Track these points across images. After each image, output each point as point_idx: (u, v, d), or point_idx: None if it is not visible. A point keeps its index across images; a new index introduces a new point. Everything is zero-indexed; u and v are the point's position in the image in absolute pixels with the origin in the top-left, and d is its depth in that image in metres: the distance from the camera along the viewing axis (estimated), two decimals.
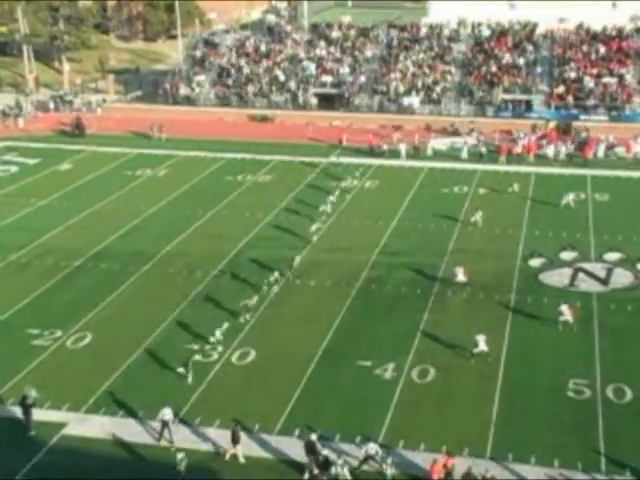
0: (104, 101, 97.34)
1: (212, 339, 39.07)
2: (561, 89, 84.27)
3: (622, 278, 47.77)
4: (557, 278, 47.53)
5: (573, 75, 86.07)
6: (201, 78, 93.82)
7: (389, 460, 29.56)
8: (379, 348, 39.09)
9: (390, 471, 29.36)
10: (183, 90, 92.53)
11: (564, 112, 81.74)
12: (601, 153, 72.25)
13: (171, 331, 41.23)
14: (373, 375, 36.89)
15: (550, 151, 72.05)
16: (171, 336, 40.69)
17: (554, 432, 32.57)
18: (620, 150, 72.66)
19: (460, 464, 29.21)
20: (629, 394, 35.42)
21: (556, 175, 67.85)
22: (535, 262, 49.98)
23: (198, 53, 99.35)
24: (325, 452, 29.46)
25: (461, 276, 45.93)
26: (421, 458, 30.47)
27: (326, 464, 29.07)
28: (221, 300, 44.48)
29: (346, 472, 29.10)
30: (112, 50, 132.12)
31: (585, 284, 46.83)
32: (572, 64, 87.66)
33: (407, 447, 31.14)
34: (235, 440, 30.51)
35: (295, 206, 60.37)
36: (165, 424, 31.77)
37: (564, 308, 41.55)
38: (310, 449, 29.78)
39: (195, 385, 35.87)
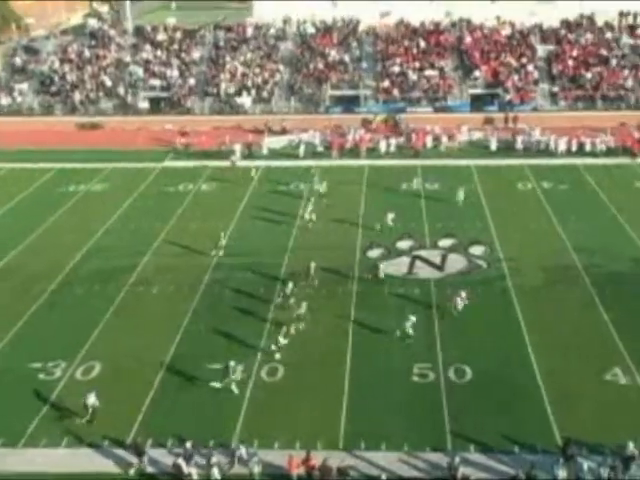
0: None
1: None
2: (387, 83, 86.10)
3: (456, 263, 49.43)
4: (396, 267, 48.69)
5: (397, 69, 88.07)
6: (23, 86, 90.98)
7: (255, 459, 29.81)
8: (227, 350, 38.95)
9: (257, 469, 29.60)
10: (4, 100, 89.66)
11: (391, 105, 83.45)
12: (429, 143, 74.31)
13: (11, 349, 40.00)
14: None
15: (382, 144, 73.50)
16: (10, 355, 39.44)
17: (403, 417, 33.57)
18: (446, 140, 74.86)
19: (316, 457, 29.81)
20: (469, 373, 36.84)
21: (388, 167, 69.33)
22: (374, 253, 51.09)
23: (18, 60, 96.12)
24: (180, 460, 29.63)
25: (312, 271, 46.65)
26: (277, 455, 30.78)
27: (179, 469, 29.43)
28: (63, 313, 43.63)
29: (216, 472, 29.37)
30: None
31: (422, 271, 48.16)
32: (395, 59, 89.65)
33: (262, 446, 31.32)
34: (139, 453, 30.56)
35: (133, 213, 59.64)
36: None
37: (462, 294, 42.93)
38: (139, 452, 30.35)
39: (40, 405, 34.96)
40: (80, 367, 38.04)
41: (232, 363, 36.11)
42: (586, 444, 31.33)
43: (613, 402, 34.77)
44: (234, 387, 35.71)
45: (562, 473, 29.01)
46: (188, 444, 30.47)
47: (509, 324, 41.71)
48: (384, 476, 28.88)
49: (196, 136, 77.17)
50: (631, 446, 30.12)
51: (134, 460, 30.62)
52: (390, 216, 54.85)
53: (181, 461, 29.58)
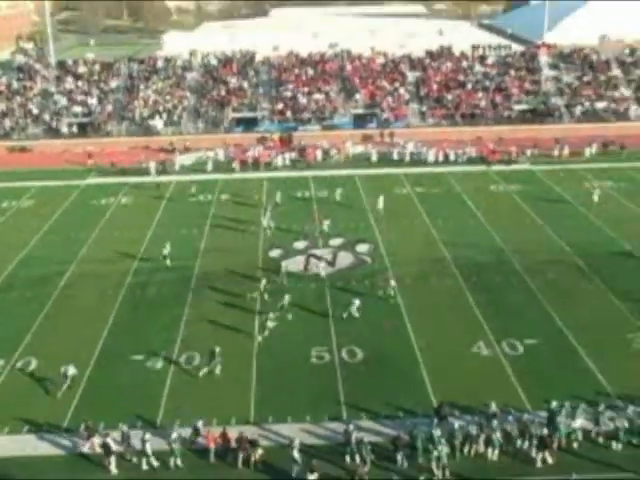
0: None
1: None
2: (281, 106, 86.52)
3: (345, 260, 50.09)
4: (294, 265, 49.13)
5: (289, 94, 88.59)
6: None
7: (174, 435, 29.81)
8: (149, 343, 38.84)
9: (177, 446, 29.64)
10: None
11: (285, 125, 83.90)
12: (320, 157, 75.05)
13: None
14: (145, 367, 36.74)
15: (278, 159, 73.95)
16: None
17: (304, 394, 34.06)
18: (334, 152, 75.66)
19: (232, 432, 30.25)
20: (360, 354, 37.53)
21: (282, 178, 69.78)
22: (274, 253, 51.35)
23: None
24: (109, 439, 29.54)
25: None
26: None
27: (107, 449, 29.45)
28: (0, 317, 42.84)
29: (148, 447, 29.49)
30: None
31: (317, 267, 48.74)
32: (288, 85, 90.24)
33: (183, 425, 31.27)
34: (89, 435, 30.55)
35: (60, 226, 58.49)
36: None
37: (392, 283, 44.25)
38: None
39: None
40: (18, 362, 37.50)
41: (217, 349, 36.27)
42: (457, 406, 32.41)
43: (478, 370, 35.89)
44: (218, 370, 35.94)
45: (437, 431, 29.90)
46: (124, 427, 30.39)
47: (392, 309, 42.54)
48: (297, 441, 29.38)
49: (108, 155, 76.25)
50: (493, 406, 31.30)
51: (83, 443, 30.50)
52: (326, 222, 55.05)
53: (109, 440, 29.47)
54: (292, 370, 36.19)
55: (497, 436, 29.79)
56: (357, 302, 41.30)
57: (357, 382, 34.99)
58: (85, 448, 30.39)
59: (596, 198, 60.61)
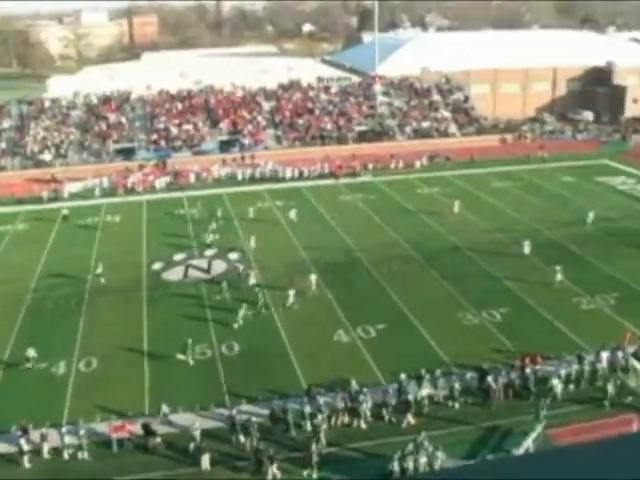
0: None
1: None
2: (155, 136, 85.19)
3: (219, 267, 49.78)
4: (174, 275, 48.54)
5: (162, 125, 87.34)
6: None
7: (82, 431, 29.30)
8: (51, 351, 37.59)
9: (85, 441, 29.05)
10: None
11: (160, 153, 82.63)
12: (193, 179, 74.32)
13: None
14: (49, 373, 35.61)
15: (156, 183, 72.81)
16: None
17: (192, 386, 33.73)
18: (204, 175, 75.03)
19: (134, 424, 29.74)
20: (237, 348, 37.34)
21: (160, 199, 68.66)
22: (157, 266, 50.51)
23: None
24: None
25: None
26: (99, 426, 30.45)
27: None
28: None
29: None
30: None
31: (195, 275, 48.28)
32: (160, 117, 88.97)
33: (87, 422, 30.52)
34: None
35: None
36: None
37: (313, 278, 44.51)
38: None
39: None
40: None
41: (190, 341, 36.23)
42: (324, 386, 32.78)
43: (340, 354, 36.40)
44: (190, 359, 35.80)
45: (307, 408, 30.28)
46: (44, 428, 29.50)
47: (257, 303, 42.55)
48: (197, 424, 29.32)
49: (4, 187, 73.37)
50: (354, 383, 31.88)
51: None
52: (252, 238, 53.86)
53: (23, 441, 28.58)
54: (181, 365, 35.70)
55: (364, 407, 30.40)
56: (244, 309, 40.87)
57: (236, 373, 34.85)
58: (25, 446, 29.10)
59: (456, 209, 60.54)
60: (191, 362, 35.80)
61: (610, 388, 31.88)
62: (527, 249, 49.47)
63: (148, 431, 29.20)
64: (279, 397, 31.98)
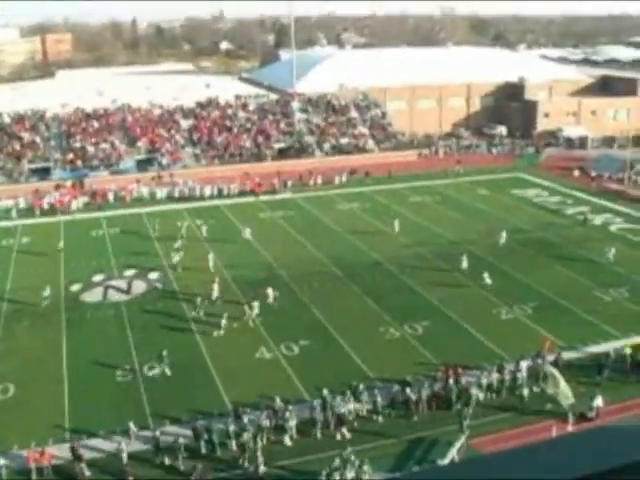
0: None
1: None
2: (71, 155, 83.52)
3: (139, 287, 48.99)
4: (93, 296, 47.49)
5: (79, 144, 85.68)
6: None
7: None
8: None
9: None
10: None
11: (76, 172, 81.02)
12: (111, 199, 73.05)
13: None
14: None
15: (73, 203, 71.25)
16: None
17: (113, 409, 32.93)
18: (122, 194, 73.77)
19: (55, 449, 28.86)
20: (158, 369, 36.65)
21: (79, 219, 67.22)
22: (75, 287, 49.35)
23: None
24: None
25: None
26: (16, 456, 29.36)
27: None
28: None
29: None
30: None
31: (115, 296, 47.36)
32: (77, 136, 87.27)
33: (5, 450, 29.48)
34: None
35: None
36: None
37: (269, 291, 44.54)
38: None
39: None
40: None
41: (165, 352, 36.64)
42: (248, 404, 32.48)
43: (263, 372, 36.17)
44: (167, 369, 36.12)
45: (232, 426, 30.03)
46: None
47: (184, 327, 41.91)
48: (122, 445, 28.83)
49: None
50: (278, 400, 31.75)
51: None
52: (176, 256, 53.03)
53: None
54: (102, 388, 34.92)
55: (289, 424, 30.30)
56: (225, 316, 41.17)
57: (159, 394, 34.23)
58: None
59: (396, 227, 59.63)
60: (168, 372, 35.97)
61: (526, 392, 32.93)
62: (465, 263, 49.78)
63: (75, 456, 28.40)
64: (203, 417, 31.56)
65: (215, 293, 45.38)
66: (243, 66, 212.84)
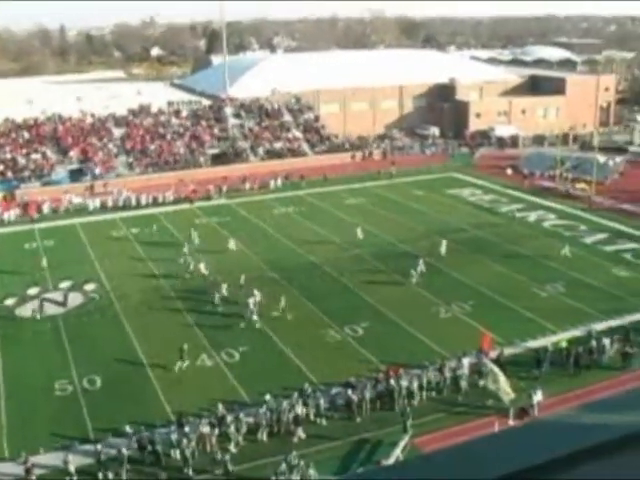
0: None
1: None
2: (1, 167, 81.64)
3: (76, 299, 48.12)
4: (29, 310, 46.35)
5: (9, 156, 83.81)
6: None
7: None
8: None
9: None
10: None
11: (7, 184, 79.19)
12: (46, 209, 71.49)
13: None
14: None
15: (4, 215, 69.49)
16: None
17: (53, 424, 32.27)
18: (55, 205, 72.33)
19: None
20: (99, 381, 36.19)
21: (10, 232, 65.53)
22: (9, 301, 48.15)
23: None
24: None
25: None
26: None
27: None
28: None
29: None
30: None
31: (51, 309, 46.38)
32: (6, 147, 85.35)
33: None
34: None
35: None
36: None
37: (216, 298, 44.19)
38: None
39: None
40: None
41: (185, 346, 37.61)
42: (193, 414, 32.17)
43: (205, 378, 35.98)
44: (185, 363, 37.10)
45: (175, 436, 29.81)
46: None
47: (123, 338, 41.47)
48: (71, 467, 28.23)
49: None
50: (220, 407, 31.76)
51: None
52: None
53: None
54: (40, 403, 34.21)
55: (233, 430, 30.18)
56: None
57: (101, 406, 33.68)
58: None
59: (360, 235, 58.11)
60: (185, 365, 37.07)
61: (467, 389, 33.77)
62: (422, 267, 49.56)
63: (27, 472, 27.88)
64: (146, 427, 31.17)
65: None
66: (175, 72, 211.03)
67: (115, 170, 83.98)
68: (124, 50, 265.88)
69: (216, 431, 30.37)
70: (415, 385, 33.44)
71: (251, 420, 31.16)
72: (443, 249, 53.93)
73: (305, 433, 30.90)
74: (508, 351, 37.45)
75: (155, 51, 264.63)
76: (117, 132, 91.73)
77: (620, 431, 2.52)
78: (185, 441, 29.24)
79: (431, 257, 52.85)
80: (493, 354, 36.14)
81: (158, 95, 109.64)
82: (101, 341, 40.90)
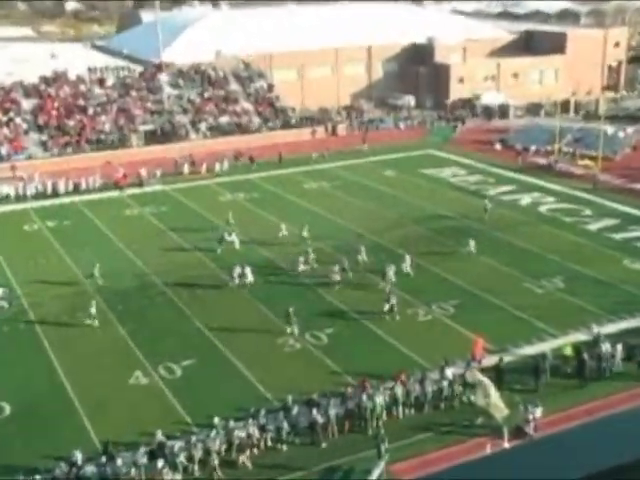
0: None
1: None
2: None
3: None
4: None
5: None
6: None
7: None
8: None
9: None
10: None
11: None
12: None
13: None
14: None
15: None
16: None
17: None
18: None
19: None
20: (7, 408, 35.51)
21: None
22: None
23: None
24: None
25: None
26: None
27: None
28: None
29: None
30: None
31: None
32: None
33: None
34: None
35: None
36: None
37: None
38: None
39: None
40: None
41: (291, 309, 40.90)
42: (122, 443, 31.90)
43: (139, 401, 35.65)
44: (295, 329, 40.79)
45: (107, 469, 29.49)
46: None
47: (38, 353, 40.92)
48: None
49: None
50: (159, 434, 31.31)
51: None
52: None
53: None
54: None
55: (177, 460, 30.05)
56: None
57: (10, 439, 33.15)
58: None
59: (305, 234, 57.07)
60: (296, 332, 40.86)
61: (450, 405, 34.16)
62: (408, 268, 49.44)
63: None
64: (65, 461, 30.80)
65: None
66: (96, 31, 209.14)
67: (26, 151, 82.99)
68: (32, 3, 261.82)
69: (160, 462, 30.09)
70: (389, 401, 33.37)
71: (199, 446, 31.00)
72: (363, 256, 51.52)
73: (253, 464, 30.81)
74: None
75: (71, 5, 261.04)
76: (27, 104, 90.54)
77: (636, 454, 2.50)
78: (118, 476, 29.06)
79: (405, 249, 52.84)
80: (489, 361, 36.21)
81: (76, 59, 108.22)
82: (11, 359, 40.34)
